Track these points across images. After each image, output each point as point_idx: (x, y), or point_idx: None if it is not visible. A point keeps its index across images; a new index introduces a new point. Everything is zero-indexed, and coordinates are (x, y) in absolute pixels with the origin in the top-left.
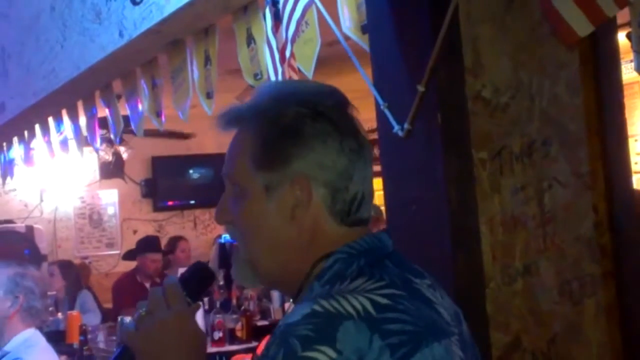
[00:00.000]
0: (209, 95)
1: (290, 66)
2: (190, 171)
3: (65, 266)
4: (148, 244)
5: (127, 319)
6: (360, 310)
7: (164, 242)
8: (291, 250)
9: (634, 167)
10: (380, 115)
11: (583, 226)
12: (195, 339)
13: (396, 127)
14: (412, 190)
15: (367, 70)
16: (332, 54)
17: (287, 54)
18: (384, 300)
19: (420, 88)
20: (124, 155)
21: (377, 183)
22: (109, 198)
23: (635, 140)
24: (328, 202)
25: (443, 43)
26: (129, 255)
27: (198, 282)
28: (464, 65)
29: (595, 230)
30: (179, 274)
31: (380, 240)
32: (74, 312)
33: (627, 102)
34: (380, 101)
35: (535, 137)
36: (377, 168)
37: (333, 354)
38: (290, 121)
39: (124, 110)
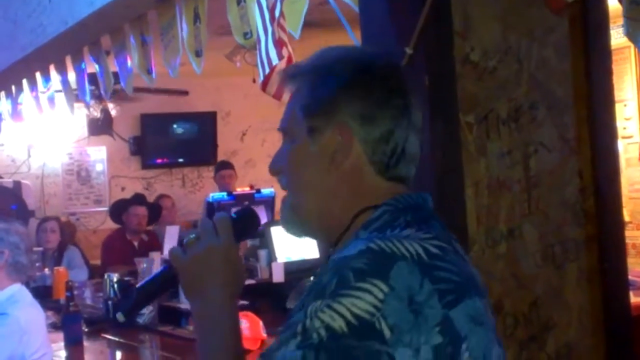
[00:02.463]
0: (197, 54)
1: (280, 25)
2: (174, 126)
3: (60, 222)
4: (131, 199)
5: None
6: (413, 253)
7: (152, 200)
8: (332, 197)
9: (622, 133)
10: None
11: (568, 191)
12: (238, 268)
13: None
14: None
15: (356, 32)
16: (321, 15)
17: (277, 13)
18: (434, 250)
19: (409, 50)
20: (113, 112)
21: None
22: (97, 155)
23: (625, 106)
24: (368, 152)
25: (432, 5)
26: (115, 217)
27: (245, 223)
28: (452, 28)
29: (580, 195)
30: (166, 231)
31: (424, 199)
32: (61, 268)
33: (617, 67)
34: None
35: (522, 101)
36: None
37: (385, 288)
38: (339, 74)
39: (114, 67)
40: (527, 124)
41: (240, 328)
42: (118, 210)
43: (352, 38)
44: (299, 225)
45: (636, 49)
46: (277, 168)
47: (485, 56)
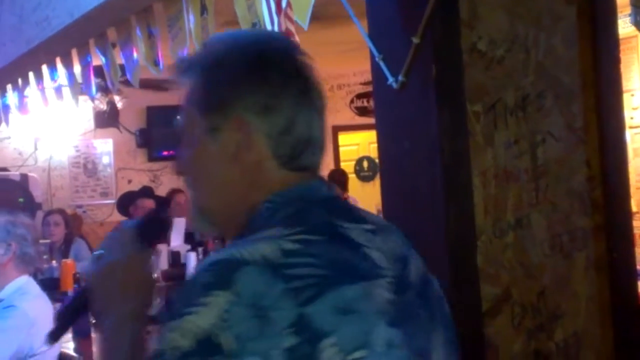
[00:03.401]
0: None
1: (287, 17)
2: (174, 119)
3: (64, 215)
4: (138, 191)
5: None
6: (266, 255)
7: (162, 193)
8: (234, 193)
9: (629, 122)
10: (375, 67)
11: (575, 180)
12: (142, 282)
13: (390, 79)
14: (406, 143)
15: (363, 22)
16: (328, 5)
17: (283, 4)
18: (292, 246)
19: (416, 40)
20: (119, 105)
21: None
22: (104, 147)
23: (632, 95)
24: (271, 145)
25: None
26: (122, 210)
27: (152, 228)
28: (459, 17)
29: (588, 184)
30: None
31: (311, 187)
32: (68, 261)
33: (624, 56)
34: (375, 53)
35: (529, 90)
36: (372, 120)
37: (231, 297)
38: (231, 65)
39: (120, 59)
40: (535, 113)
41: (142, 344)
42: (125, 202)
43: (359, 28)
44: (207, 224)
45: None
46: (181, 170)
47: (492, 45)
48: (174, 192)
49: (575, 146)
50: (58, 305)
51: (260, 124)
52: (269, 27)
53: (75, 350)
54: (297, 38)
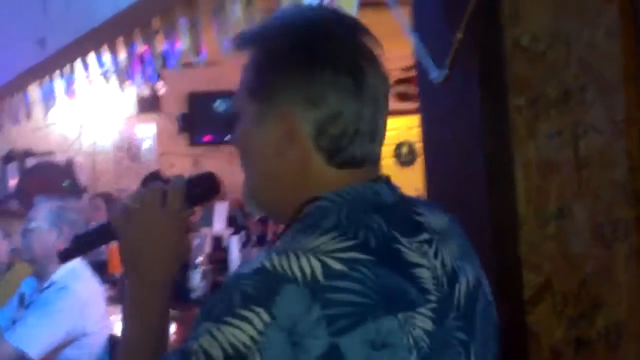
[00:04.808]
0: None
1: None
2: (222, 102)
3: (109, 199)
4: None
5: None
6: (308, 274)
7: None
8: (281, 185)
9: None
10: (419, 61)
11: (617, 171)
12: (176, 245)
13: (434, 74)
14: (449, 134)
15: (404, 9)
16: None
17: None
18: (338, 266)
19: (459, 35)
20: (161, 91)
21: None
22: (146, 132)
23: None
24: (315, 139)
25: None
26: None
27: (202, 189)
28: (502, 13)
29: (629, 175)
30: (215, 209)
31: (375, 191)
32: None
33: None
34: (420, 47)
35: (571, 84)
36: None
37: (267, 318)
38: (282, 52)
39: (162, 45)
40: (577, 106)
41: (168, 310)
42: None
43: (399, 20)
44: (255, 206)
45: None
46: (235, 144)
47: (535, 40)
48: None
49: (616, 138)
50: (107, 287)
51: (305, 116)
52: None
53: None
54: None
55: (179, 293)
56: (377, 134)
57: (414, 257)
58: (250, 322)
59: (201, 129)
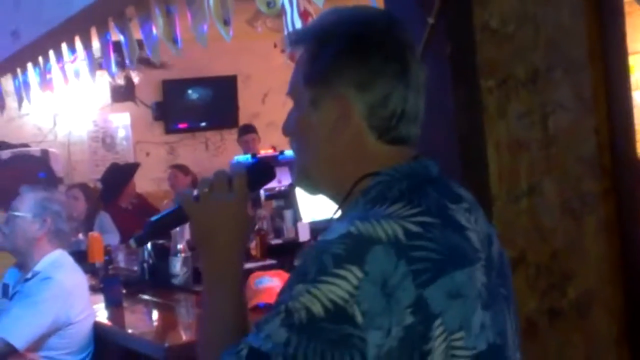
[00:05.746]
0: (226, 22)
1: None
2: (196, 90)
3: (86, 189)
4: (119, 178)
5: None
6: (391, 235)
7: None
8: (336, 164)
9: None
10: None
11: (585, 147)
12: (247, 224)
13: None
14: (423, 117)
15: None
16: None
17: None
18: (415, 228)
19: (430, 20)
20: (135, 79)
21: None
22: (121, 121)
23: None
24: (367, 119)
25: None
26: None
27: (260, 175)
28: None
29: (597, 151)
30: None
31: (424, 166)
32: (95, 233)
33: (633, 18)
34: None
35: (540, 64)
36: None
37: (360, 274)
38: (336, 41)
39: (138, 34)
40: (545, 86)
41: (243, 283)
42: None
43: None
44: (310, 187)
45: None
46: (288, 131)
47: (503, 22)
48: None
49: (584, 115)
50: (88, 276)
51: (358, 98)
52: (287, 8)
53: (109, 318)
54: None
55: (161, 279)
56: (418, 117)
57: (463, 220)
58: (345, 279)
59: (176, 117)
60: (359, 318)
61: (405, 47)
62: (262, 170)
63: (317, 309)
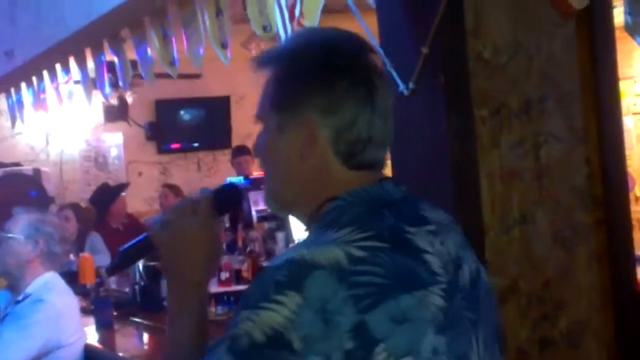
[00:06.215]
0: (223, 45)
1: (299, 24)
2: (189, 110)
3: (78, 209)
4: (107, 197)
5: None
6: (333, 261)
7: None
8: (302, 186)
9: (632, 109)
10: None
11: (576, 178)
12: (210, 249)
13: (401, 86)
14: (417, 146)
15: (371, 19)
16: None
17: (297, 12)
18: (359, 253)
19: (425, 50)
20: (129, 100)
21: None
22: (114, 141)
23: (635, 82)
24: (333, 144)
25: (446, 6)
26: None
27: (227, 199)
28: (465, 28)
29: (588, 182)
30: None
31: (385, 190)
32: (86, 254)
33: (626, 44)
34: (387, 61)
35: (532, 94)
36: None
37: (298, 300)
38: (303, 65)
39: (132, 54)
40: (537, 116)
41: (204, 310)
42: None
43: (370, 38)
44: (278, 209)
45: None
46: (257, 154)
47: (496, 53)
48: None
49: (575, 146)
50: (79, 298)
51: (324, 123)
52: (282, 35)
53: (100, 341)
54: None
55: (152, 301)
56: (386, 141)
57: (422, 244)
58: (284, 305)
59: (169, 137)
60: (298, 344)
61: (373, 72)
62: (229, 193)
63: (258, 335)
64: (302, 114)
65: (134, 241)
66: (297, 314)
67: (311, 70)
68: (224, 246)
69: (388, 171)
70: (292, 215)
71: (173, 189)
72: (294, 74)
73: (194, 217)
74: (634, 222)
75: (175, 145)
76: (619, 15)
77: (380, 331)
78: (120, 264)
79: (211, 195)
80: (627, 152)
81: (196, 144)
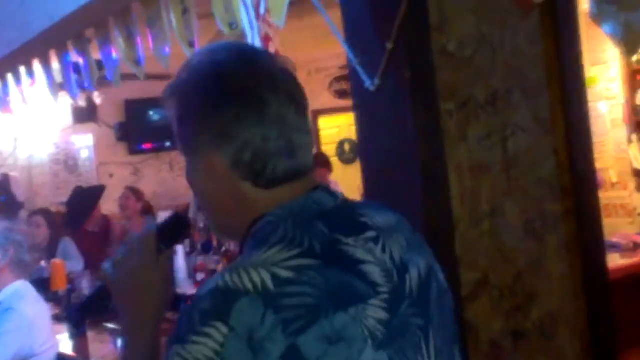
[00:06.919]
0: (191, 44)
1: (266, 22)
2: (159, 110)
3: (48, 214)
4: (86, 204)
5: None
6: (258, 285)
7: (143, 186)
8: (228, 214)
9: (606, 94)
10: (352, 71)
11: (545, 168)
12: (161, 287)
13: (367, 82)
14: (384, 141)
15: (337, 15)
16: None
17: (262, 10)
18: (286, 274)
19: (389, 45)
20: (97, 100)
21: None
22: (84, 143)
23: (608, 67)
24: (234, 170)
25: (410, 1)
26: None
27: (173, 231)
28: (429, 22)
29: (557, 172)
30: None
31: (314, 199)
32: (57, 260)
33: (598, 30)
34: (353, 58)
35: (498, 87)
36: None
37: (225, 330)
38: (193, 101)
39: (97, 55)
40: (504, 108)
41: (159, 345)
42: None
43: (336, 34)
44: (219, 235)
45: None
46: (188, 182)
47: (461, 47)
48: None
49: (543, 136)
50: (50, 304)
51: (221, 151)
52: (248, 32)
53: (73, 349)
54: (276, 41)
55: None
56: (295, 149)
57: (360, 254)
58: (210, 336)
59: (140, 137)
60: None
61: (261, 86)
62: (173, 225)
63: None
64: (200, 149)
65: (91, 293)
66: (225, 346)
67: (201, 104)
68: (199, 247)
69: (357, 167)
70: (229, 238)
71: (136, 193)
72: (188, 110)
73: (140, 255)
74: (610, 208)
75: (146, 146)
76: (585, 3)
77: (313, 354)
78: (84, 317)
79: (155, 230)
80: (602, 138)
81: (168, 144)
